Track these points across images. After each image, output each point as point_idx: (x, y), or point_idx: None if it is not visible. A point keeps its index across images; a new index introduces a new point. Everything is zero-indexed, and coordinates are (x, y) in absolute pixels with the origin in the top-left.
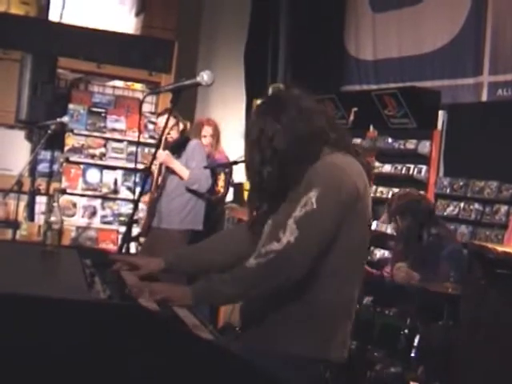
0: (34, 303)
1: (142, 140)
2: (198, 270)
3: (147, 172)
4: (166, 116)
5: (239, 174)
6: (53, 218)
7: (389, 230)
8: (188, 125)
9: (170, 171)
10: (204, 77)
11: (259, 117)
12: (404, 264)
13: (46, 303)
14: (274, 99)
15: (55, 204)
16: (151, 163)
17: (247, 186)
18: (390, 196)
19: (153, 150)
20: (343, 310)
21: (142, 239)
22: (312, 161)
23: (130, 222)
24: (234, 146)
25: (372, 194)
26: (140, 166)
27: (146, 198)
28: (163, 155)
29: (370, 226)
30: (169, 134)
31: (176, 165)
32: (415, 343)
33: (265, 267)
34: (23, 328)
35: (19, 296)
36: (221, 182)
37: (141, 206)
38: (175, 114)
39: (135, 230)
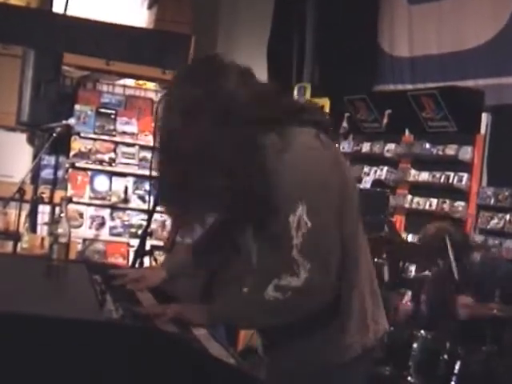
0: (41, 324)
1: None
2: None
3: None
4: None
5: None
6: (60, 230)
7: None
8: None
9: None
10: None
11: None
12: (470, 299)
13: (55, 324)
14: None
15: (62, 214)
16: None
17: None
18: (427, 207)
19: None
20: (360, 294)
21: (158, 254)
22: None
23: (144, 234)
24: None
25: (407, 205)
26: (153, 173)
27: None
28: None
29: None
30: None
31: None
32: (455, 370)
33: (283, 305)
34: (29, 351)
35: (24, 316)
36: None
37: (154, 216)
38: None
39: (148, 244)
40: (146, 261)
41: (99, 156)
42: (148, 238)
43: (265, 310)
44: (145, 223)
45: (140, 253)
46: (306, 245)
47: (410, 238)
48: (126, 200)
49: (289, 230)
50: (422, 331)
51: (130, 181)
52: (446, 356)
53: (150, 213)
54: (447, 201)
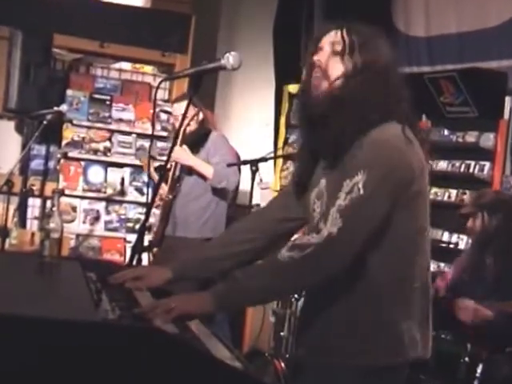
0: (32, 325)
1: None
2: (206, 277)
3: (163, 171)
4: (182, 103)
5: (267, 174)
6: (51, 225)
7: (445, 237)
8: (209, 115)
9: (187, 170)
10: (230, 59)
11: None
12: (471, 301)
13: (47, 325)
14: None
15: (54, 208)
16: (167, 161)
17: (276, 186)
18: (445, 198)
19: (165, 145)
20: (405, 304)
21: (154, 250)
22: (371, 125)
23: (142, 229)
24: (260, 138)
25: None
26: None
27: (158, 201)
28: (179, 151)
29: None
30: (189, 124)
31: (195, 161)
32: (477, 374)
33: (300, 262)
34: (19, 354)
35: (13, 317)
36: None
37: (153, 210)
38: (195, 102)
39: (146, 239)
40: (145, 257)
41: (93, 145)
42: (146, 232)
43: (278, 273)
44: (143, 217)
45: (138, 249)
46: (350, 208)
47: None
48: (122, 192)
49: (339, 191)
50: (440, 331)
51: (126, 172)
52: (466, 358)
53: (148, 206)
54: (467, 192)
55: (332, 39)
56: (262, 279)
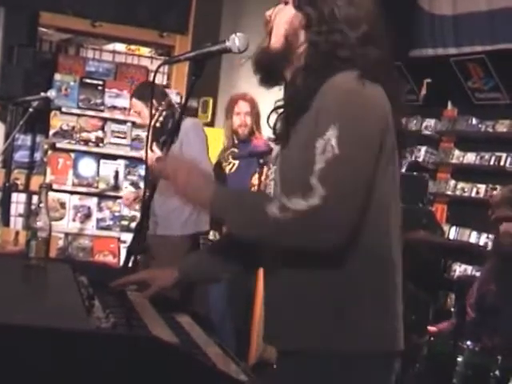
0: (19, 334)
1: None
2: (213, 279)
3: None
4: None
5: None
6: (38, 223)
7: (473, 237)
8: (173, 99)
9: None
10: (236, 41)
11: None
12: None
13: (34, 334)
14: None
15: (42, 205)
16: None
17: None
18: (473, 194)
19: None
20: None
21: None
22: (334, 70)
23: (139, 227)
24: (267, 129)
25: (450, 192)
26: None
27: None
28: (151, 157)
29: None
30: (157, 120)
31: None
32: None
33: (282, 224)
34: (6, 365)
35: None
36: (254, 176)
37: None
38: (141, 94)
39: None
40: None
41: (84, 135)
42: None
43: (259, 222)
44: (138, 214)
45: (135, 249)
46: (327, 172)
47: (454, 231)
48: (116, 187)
49: (314, 154)
50: (469, 342)
51: (120, 164)
52: (497, 372)
53: (144, 202)
54: (498, 187)
55: None
56: (246, 217)
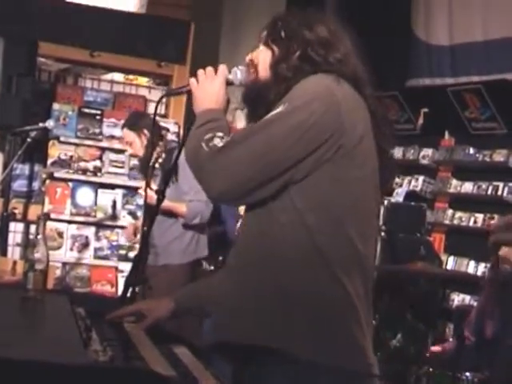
0: (15, 368)
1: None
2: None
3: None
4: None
5: None
6: (36, 255)
7: (471, 267)
8: (171, 130)
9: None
10: (238, 74)
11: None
12: None
13: (30, 368)
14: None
15: (40, 236)
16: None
17: None
18: (471, 224)
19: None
20: (336, 303)
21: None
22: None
23: (138, 257)
24: None
25: (448, 222)
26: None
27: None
28: (150, 196)
29: (381, 188)
30: (158, 156)
31: (165, 203)
32: None
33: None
34: None
35: None
36: None
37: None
38: (133, 124)
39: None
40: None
41: (82, 164)
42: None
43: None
44: (136, 244)
45: (133, 280)
46: (244, 131)
47: (452, 260)
48: (113, 216)
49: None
50: (468, 373)
51: (118, 194)
52: None
53: (144, 232)
54: (495, 216)
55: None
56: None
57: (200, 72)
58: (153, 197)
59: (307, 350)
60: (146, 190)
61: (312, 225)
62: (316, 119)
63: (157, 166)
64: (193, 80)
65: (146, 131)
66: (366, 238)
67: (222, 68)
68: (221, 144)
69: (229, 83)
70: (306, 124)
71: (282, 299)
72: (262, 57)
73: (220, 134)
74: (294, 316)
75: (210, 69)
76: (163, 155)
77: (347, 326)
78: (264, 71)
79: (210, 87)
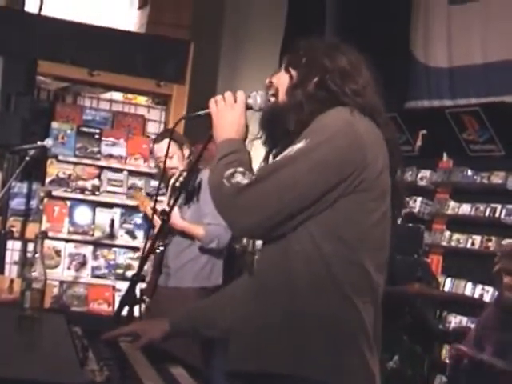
0: None
1: (145, 169)
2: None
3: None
4: (163, 142)
5: None
6: (34, 274)
7: (469, 289)
8: (198, 148)
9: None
10: (258, 99)
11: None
12: None
13: None
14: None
15: (37, 255)
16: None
17: None
18: (469, 245)
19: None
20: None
21: (147, 301)
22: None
23: (136, 278)
24: None
25: (445, 243)
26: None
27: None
28: (173, 216)
29: (394, 220)
30: (180, 175)
31: (184, 224)
32: None
33: (222, 196)
34: None
35: None
36: None
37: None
38: (177, 138)
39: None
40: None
41: (80, 183)
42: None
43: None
44: (133, 263)
45: (128, 301)
46: (272, 166)
47: (449, 282)
48: (111, 235)
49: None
50: None
51: (116, 213)
52: None
53: (144, 252)
54: (493, 238)
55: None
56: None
57: (219, 98)
58: (157, 220)
59: (325, 374)
60: (153, 208)
61: (328, 253)
62: (339, 154)
63: (177, 184)
64: (212, 104)
65: (185, 146)
66: (379, 267)
67: (241, 95)
68: (244, 181)
69: (248, 108)
70: (330, 159)
71: (298, 326)
72: (282, 81)
73: (241, 169)
74: (311, 342)
75: (229, 94)
76: (184, 174)
77: (361, 352)
78: (283, 95)
79: (230, 116)
